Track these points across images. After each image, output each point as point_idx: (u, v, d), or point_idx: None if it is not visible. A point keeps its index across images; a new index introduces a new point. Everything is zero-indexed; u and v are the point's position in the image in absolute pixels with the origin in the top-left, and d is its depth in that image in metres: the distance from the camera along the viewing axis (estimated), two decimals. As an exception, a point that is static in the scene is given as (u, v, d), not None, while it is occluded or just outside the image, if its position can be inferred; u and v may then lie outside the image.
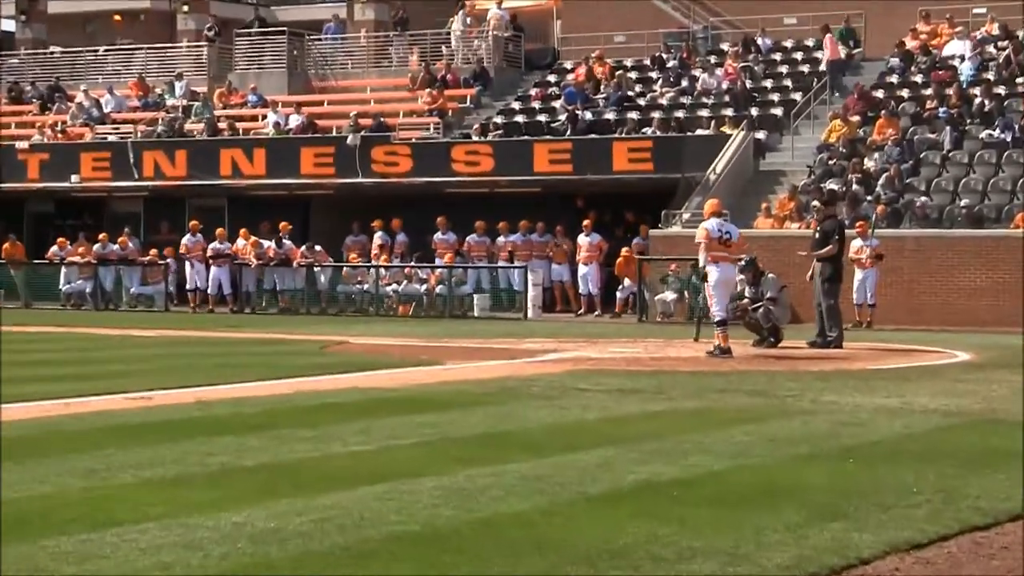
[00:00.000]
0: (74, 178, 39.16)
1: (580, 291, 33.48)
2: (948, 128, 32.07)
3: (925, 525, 7.59)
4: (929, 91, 34.29)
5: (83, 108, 42.34)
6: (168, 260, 35.80)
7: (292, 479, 8.91)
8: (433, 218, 34.82)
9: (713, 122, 34.81)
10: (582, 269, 33.16)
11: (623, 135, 34.91)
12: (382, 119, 37.74)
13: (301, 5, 55.04)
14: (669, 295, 30.45)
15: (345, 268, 34.95)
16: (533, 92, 39.49)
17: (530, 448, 10.33)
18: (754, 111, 35.25)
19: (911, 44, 36.84)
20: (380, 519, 7.63)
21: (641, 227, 32.83)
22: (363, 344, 22.98)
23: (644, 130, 35.01)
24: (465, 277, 33.75)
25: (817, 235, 22.45)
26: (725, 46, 39.94)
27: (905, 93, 34.92)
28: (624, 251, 32.65)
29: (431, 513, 7.81)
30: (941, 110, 32.95)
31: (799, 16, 39.85)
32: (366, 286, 34.18)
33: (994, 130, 31.84)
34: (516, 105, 39.02)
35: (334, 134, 37.83)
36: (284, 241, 34.67)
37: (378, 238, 35.15)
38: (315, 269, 34.62)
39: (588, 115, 36.39)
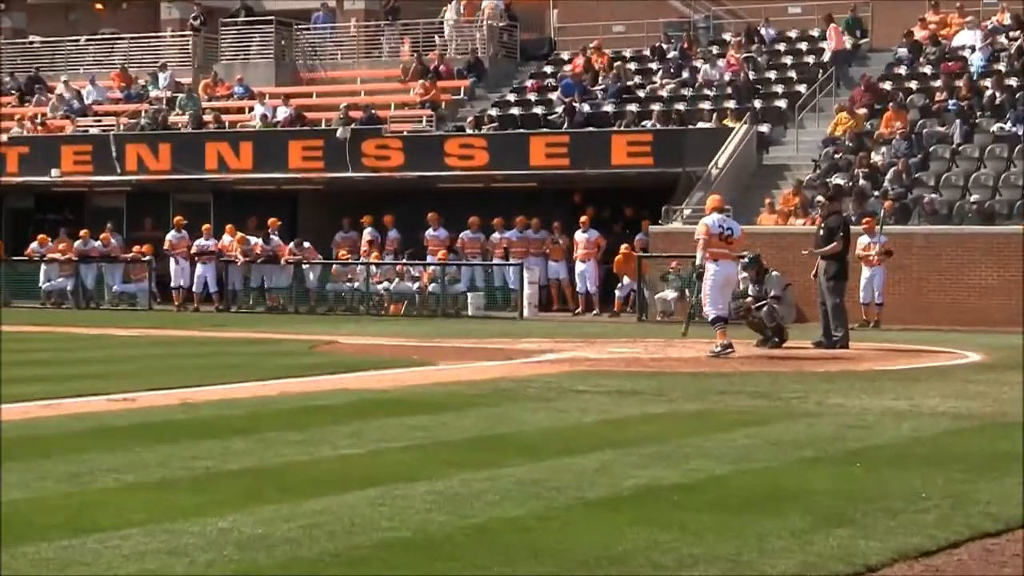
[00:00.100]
0: (54, 172, 39.11)
1: (578, 289, 33.50)
2: (958, 121, 32.10)
3: (934, 531, 7.60)
4: (938, 83, 34.33)
5: (64, 100, 42.31)
6: (148, 258, 35.78)
7: (280, 483, 8.91)
8: (426, 213, 34.84)
9: (715, 115, 34.83)
10: (579, 267, 33.18)
11: (622, 128, 34.92)
12: (373, 111, 37.73)
13: (289, -7, 54.95)
14: (670, 293, 30.46)
15: (335, 265, 34.95)
16: (529, 83, 39.49)
17: (526, 452, 10.34)
18: (757, 103, 35.28)
19: (920, 34, 36.86)
20: (371, 525, 7.63)
21: (643, 223, 32.81)
22: (353, 344, 22.99)
23: (644, 123, 35.03)
24: (459, 275, 33.77)
25: (821, 232, 22.48)
26: (727, 36, 39.94)
27: (913, 85, 34.95)
28: (623, 248, 32.66)
29: (424, 519, 7.81)
30: (951, 102, 32.98)
31: (804, 5, 39.88)
32: (356, 284, 34.20)
33: (1005, 123, 31.88)
34: (511, 97, 39.03)
35: (323, 127, 37.84)
36: (272, 237, 34.67)
37: (367, 234, 35.16)
38: (304, 266, 34.61)
39: (586, 107, 36.41)
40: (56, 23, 49.89)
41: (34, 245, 37.11)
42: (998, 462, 9.96)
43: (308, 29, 43.79)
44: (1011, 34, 35.78)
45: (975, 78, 33.98)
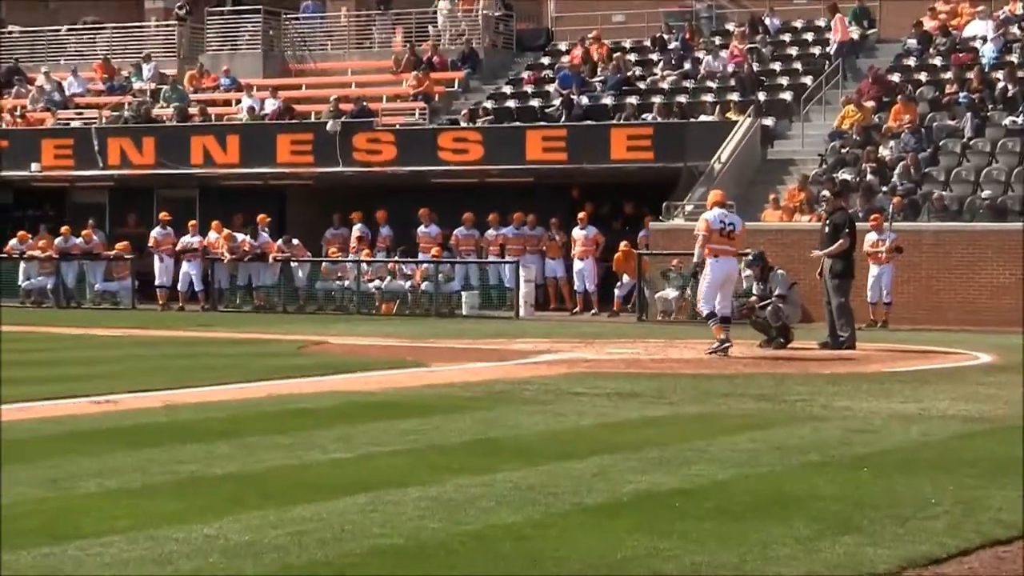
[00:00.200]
0: (34, 166, 39.11)
1: (575, 288, 33.51)
2: (969, 114, 32.12)
3: (944, 539, 7.60)
4: (948, 75, 34.35)
5: (44, 92, 42.30)
6: (130, 256, 35.77)
7: (267, 489, 8.91)
8: (418, 209, 34.83)
9: (718, 108, 34.84)
10: (577, 264, 33.17)
11: (621, 121, 34.94)
12: (364, 104, 37.72)
13: (277, -18, 54.99)
14: (671, 292, 30.45)
15: (324, 263, 34.96)
16: (525, 75, 39.52)
17: (522, 456, 10.34)
18: (761, 96, 35.28)
19: (929, 24, 36.89)
20: (362, 532, 7.63)
21: (644, 219, 32.76)
22: (343, 344, 23.00)
23: (644, 116, 35.04)
24: (452, 273, 33.78)
25: (827, 229, 22.46)
26: (731, 26, 39.99)
27: (923, 77, 34.96)
28: (623, 245, 32.65)
29: (416, 525, 7.81)
30: (961, 95, 33.01)
31: (809, -6, 39.93)
32: (347, 282, 34.21)
33: (1018, 116, 31.90)
34: (507, 89, 39.04)
35: (313, 120, 37.85)
36: (260, 234, 34.67)
37: (356, 230, 35.14)
38: (292, 264, 34.61)
39: (584, 100, 36.43)
40: (36, 12, 49.90)
41: (13, 242, 37.13)
42: (1010, 467, 9.96)
43: (297, 18, 43.82)
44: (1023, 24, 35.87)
45: (987, 70, 34.01)
